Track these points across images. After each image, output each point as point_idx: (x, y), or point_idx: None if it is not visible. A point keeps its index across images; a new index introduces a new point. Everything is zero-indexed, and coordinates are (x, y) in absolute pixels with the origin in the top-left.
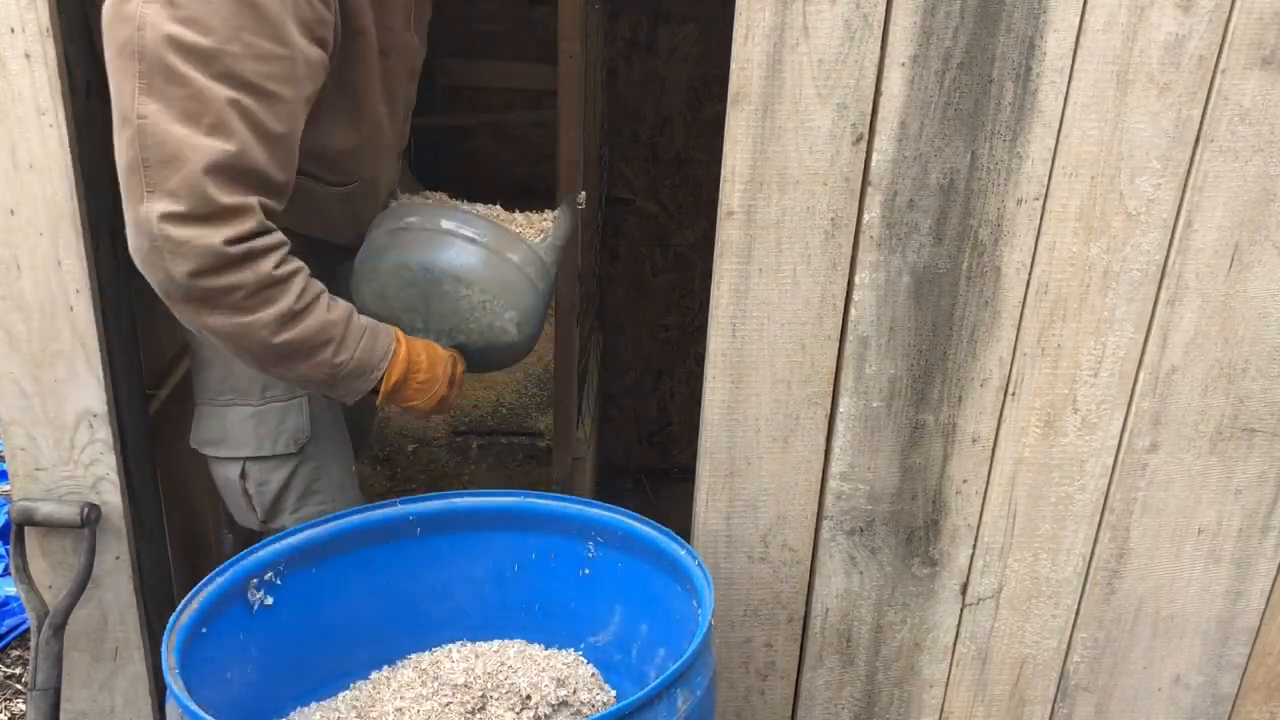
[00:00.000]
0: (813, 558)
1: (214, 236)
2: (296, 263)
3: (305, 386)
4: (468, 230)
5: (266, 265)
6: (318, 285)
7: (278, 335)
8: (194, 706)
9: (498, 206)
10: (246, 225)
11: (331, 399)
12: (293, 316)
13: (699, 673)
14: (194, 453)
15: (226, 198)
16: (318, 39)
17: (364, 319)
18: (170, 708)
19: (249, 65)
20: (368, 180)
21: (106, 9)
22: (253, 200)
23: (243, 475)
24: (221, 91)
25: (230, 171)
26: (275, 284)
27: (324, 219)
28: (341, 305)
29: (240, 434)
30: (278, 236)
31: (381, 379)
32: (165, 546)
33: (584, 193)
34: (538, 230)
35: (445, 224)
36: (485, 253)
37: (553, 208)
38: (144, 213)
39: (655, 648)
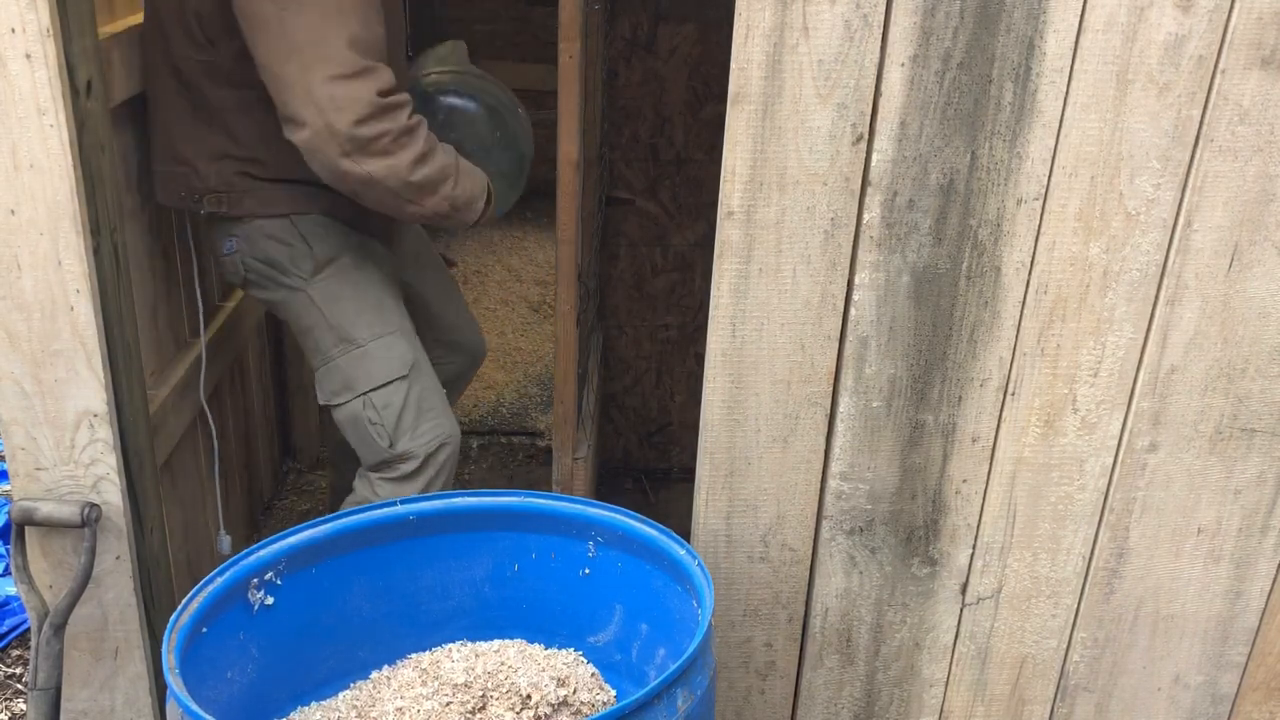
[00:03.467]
0: (812, 557)
1: (370, 88)
2: (418, 116)
3: (434, 220)
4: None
5: (402, 116)
6: (432, 134)
7: (414, 173)
8: (194, 706)
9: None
10: (385, 78)
11: (451, 227)
12: (423, 157)
13: (699, 672)
14: (194, 452)
15: (365, 60)
16: None
17: (461, 159)
18: (170, 708)
19: None
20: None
21: None
22: (380, 65)
23: (365, 407)
24: None
25: (360, 45)
26: (410, 131)
27: None
28: (449, 148)
29: (356, 374)
30: (404, 94)
31: (486, 204)
32: (165, 546)
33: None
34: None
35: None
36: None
37: (553, 208)
38: (308, 84)
39: (655, 647)
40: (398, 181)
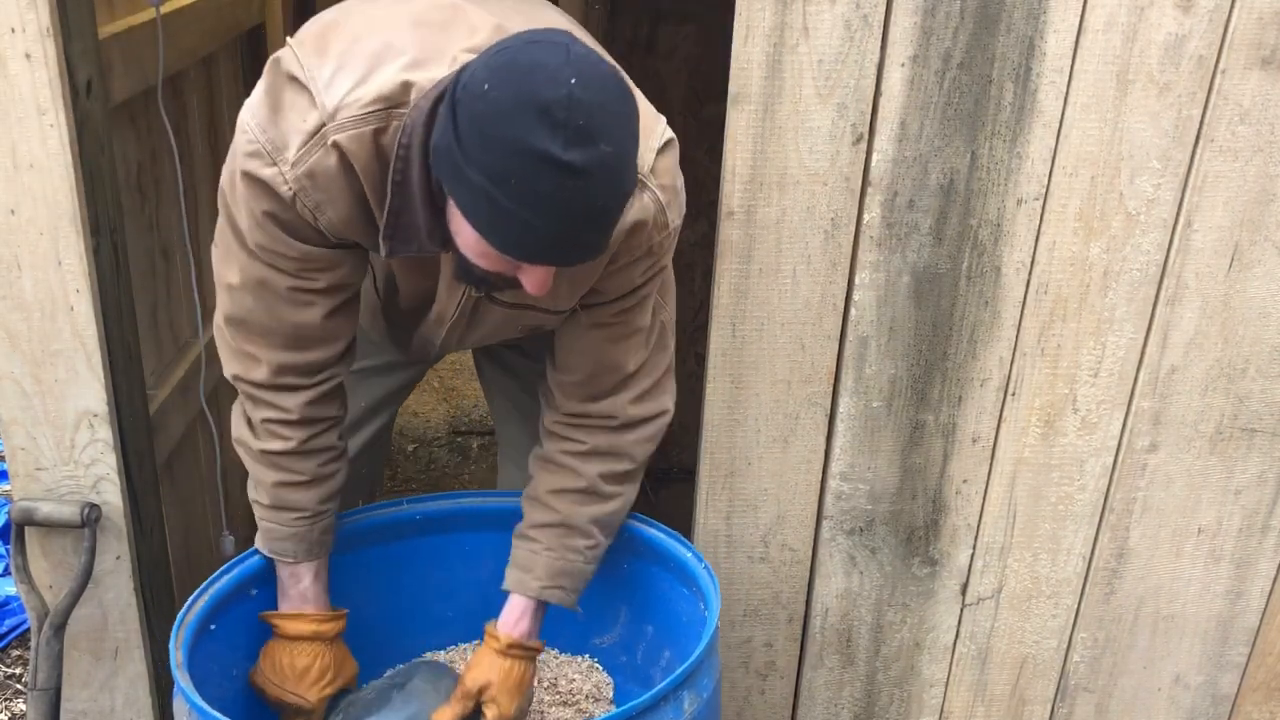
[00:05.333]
0: (813, 558)
1: (228, 365)
2: (298, 432)
3: None
4: None
5: (260, 414)
6: (302, 461)
7: (236, 445)
8: (200, 701)
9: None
10: (253, 374)
11: None
12: (250, 452)
13: (705, 675)
14: (194, 452)
15: (245, 344)
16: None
17: (302, 526)
18: (177, 703)
19: (270, 253)
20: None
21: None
22: (265, 355)
23: None
24: (249, 262)
25: (246, 326)
26: (258, 428)
27: None
28: (296, 498)
29: None
30: (288, 403)
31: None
32: (165, 546)
33: None
34: None
35: None
36: None
37: None
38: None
39: (661, 649)
40: (233, 430)
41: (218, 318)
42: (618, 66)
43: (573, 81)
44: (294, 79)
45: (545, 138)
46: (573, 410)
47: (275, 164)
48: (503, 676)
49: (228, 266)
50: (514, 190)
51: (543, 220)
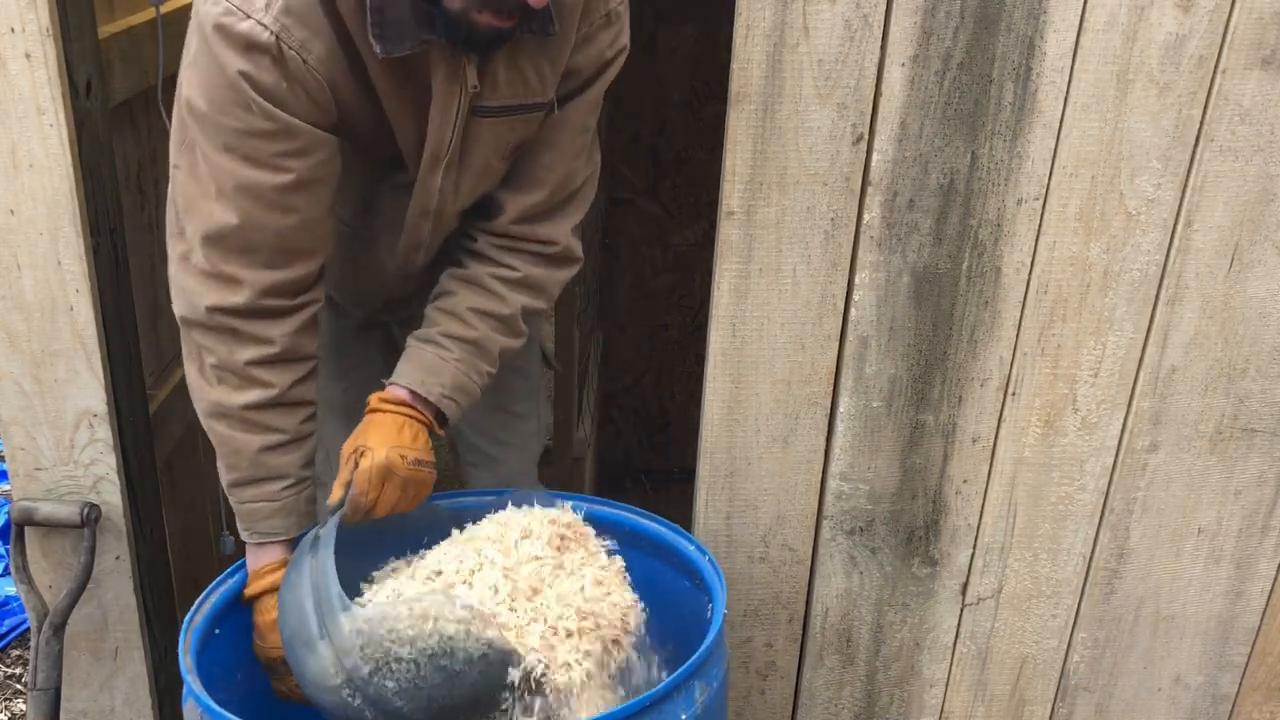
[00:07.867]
0: (813, 558)
1: (202, 297)
2: (281, 375)
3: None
4: None
5: (242, 354)
6: (284, 415)
7: (208, 419)
8: (215, 705)
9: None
10: (234, 299)
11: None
12: (228, 414)
13: (715, 664)
14: (194, 452)
15: (223, 265)
16: (313, 119)
17: (289, 496)
18: (189, 708)
19: (246, 139)
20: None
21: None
22: (247, 275)
23: None
24: (224, 162)
25: (226, 243)
26: (238, 375)
27: None
28: (280, 462)
29: None
30: (272, 332)
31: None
32: (165, 546)
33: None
34: None
35: None
36: None
37: None
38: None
39: (664, 644)
40: (196, 403)
41: (183, 247)
42: None
43: None
44: None
45: None
46: (516, 233)
47: (250, 16)
48: (375, 427)
49: (200, 184)
50: None
51: None
